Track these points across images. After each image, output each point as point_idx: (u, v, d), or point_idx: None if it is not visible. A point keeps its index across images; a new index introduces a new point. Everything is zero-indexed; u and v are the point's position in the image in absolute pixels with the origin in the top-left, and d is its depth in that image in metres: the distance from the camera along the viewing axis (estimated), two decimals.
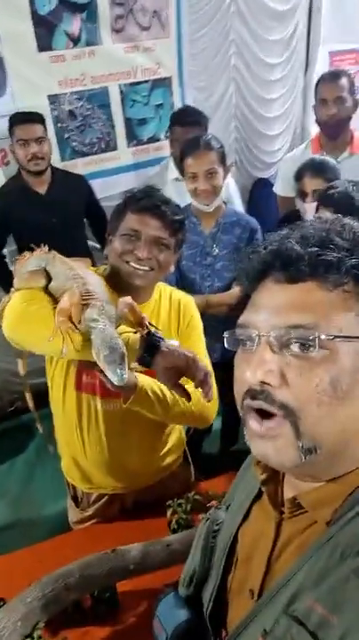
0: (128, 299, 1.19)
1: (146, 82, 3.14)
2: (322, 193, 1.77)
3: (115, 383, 1.02)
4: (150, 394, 1.26)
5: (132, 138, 3.22)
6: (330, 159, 2.16)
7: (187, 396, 1.16)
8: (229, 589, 0.77)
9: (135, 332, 1.15)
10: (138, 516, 1.48)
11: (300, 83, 3.82)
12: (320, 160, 2.14)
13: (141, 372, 1.22)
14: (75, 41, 2.84)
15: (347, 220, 0.65)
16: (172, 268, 1.45)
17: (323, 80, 2.56)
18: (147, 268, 1.33)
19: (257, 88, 3.57)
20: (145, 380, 1.26)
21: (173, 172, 2.62)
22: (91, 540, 1.40)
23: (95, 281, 1.19)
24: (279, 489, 0.71)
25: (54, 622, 1.10)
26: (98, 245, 2.84)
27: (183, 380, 1.16)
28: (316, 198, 1.84)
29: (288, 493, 0.69)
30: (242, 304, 2.12)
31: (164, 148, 3.11)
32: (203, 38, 3.25)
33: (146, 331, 1.15)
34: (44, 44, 2.74)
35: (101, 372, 1.15)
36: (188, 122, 2.57)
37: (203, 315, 1.57)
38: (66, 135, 2.97)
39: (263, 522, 0.72)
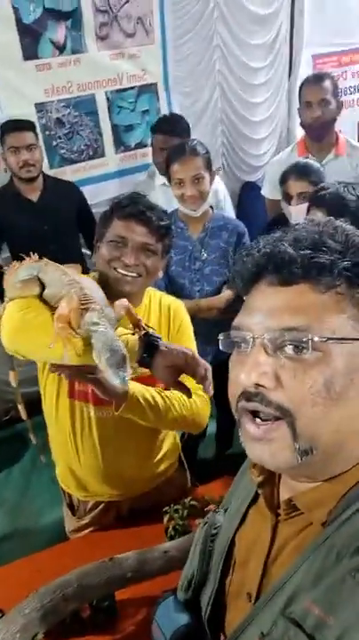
0: (124, 301, 1.19)
1: (132, 88, 3.16)
2: (313, 194, 1.78)
3: (117, 386, 1.02)
4: (142, 401, 1.26)
5: (120, 144, 3.23)
6: (313, 162, 2.18)
7: (188, 392, 1.17)
8: (227, 593, 0.77)
9: (133, 334, 1.16)
10: (134, 523, 1.47)
11: (285, 86, 3.84)
12: (304, 163, 2.16)
13: (136, 376, 1.22)
14: (61, 49, 2.85)
15: (340, 223, 0.65)
16: (161, 274, 1.46)
17: (306, 83, 2.58)
18: (134, 275, 1.33)
19: (242, 92, 3.59)
20: (136, 388, 1.26)
21: (161, 177, 2.63)
22: (89, 549, 1.39)
23: (92, 285, 1.19)
24: (275, 491, 0.71)
25: (53, 633, 1.10)
26: (89, 252, 2.84)
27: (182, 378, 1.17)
28: (308, 200, 1.86)
29: (284, 495, 0.69)
30: (233, 307, 2.13)
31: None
32: (187, 44, 3.27)
33: (143, 332, 1.16)
34: (30, 52, 2.75)
35: (93, 381, 1.16)
36: (169, 130, 2.60)
37: (193, 319, 1.57)
38: (54, 143, 2.97)
39: (259, 525, 0.72)
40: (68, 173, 3.02)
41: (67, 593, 1.07)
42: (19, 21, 2.65)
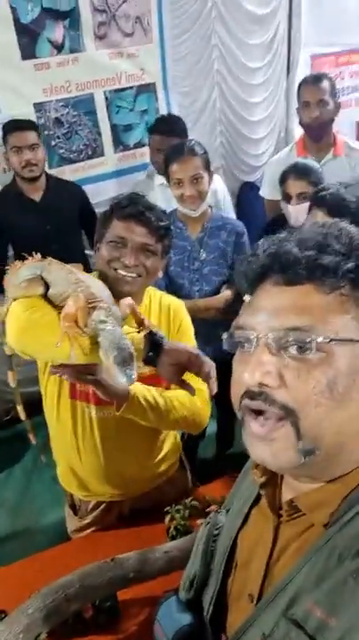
0: (129, 300, 1.20)
1: (130, 88, 3.16)
2: (313, 194, 1.79)
3: (124, 384, 1.02)
4: (143, 401, 1.27)
5: (119, 144, 3.23)
6: (312, 162, 2.19)
7: (192, 390, 1.18)
8: (229, 594, 0.78)
9: (138, 332, 1.16)
10: (136, 522, 1.48)
11: (283, 86, 3.85)
12: (303, 163, 2.17)
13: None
14: (59, 48, 2.84)
15: (345, 225, 0.66)
16: (161, 274, 1.46)
17: (305, 83, 2.59)
18: (134, 275, 1.34)
19: (240, 92, 3.60)
20: (137, 388, 1.26)
21: (160, 177, 2.63)
22: (91, 549, 1.40)
23: (98, 284, 1.19)
24: (277, 492, 0.72)
25: (56, 633, 1.10)
26: (91, 252, 2.84)
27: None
28: (308, 200, 1.87)
29: (286, 496, 0.70)
30: (233, 307, 2.13)
31: None
32: (185, 43, 3.27)
33: (148, 330, 1.17)
34: (28, 52, 2.74)
35: (94, 382, 1.16)
36: (166, 130, 2.61)
37: (193, 319, 1.57)
38: (53, 142, 2.97)
39: (262, 526, 0.73)
40: (67, 173, 3.02)
41: (70, 593, 1.08)
42: (16, 21, 2.65)
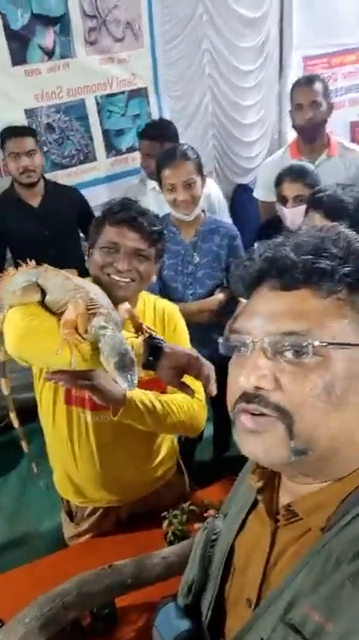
0: (127, 305, 1.21)
1: (122, 93, 3.16)
2: (311, 196, 1.79)
3: (126, 389, 1.02)
4: (140, 405, 1.27)
5: (111, 148, 3.23)
6: (309, 165, 2.19)
7: (192, 392, 1.18)
8: (227, 599, 0.77)
9: (136, 337, 1.16)
10: (133, 528, 1.47)
11: (275, 89, 3.86)
12: (299, 166, 2.17)
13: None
14: (50, 54, 2.85)
15: (342, 229, 0.66)
16: (154, 278, 1.46)
17: (297, 85, 2.60)
18: (127, 280, 1.33)
19: (232, 95, 3.61)
20: (134, 392, 1.26)
21: (152, 182, 2.63)
22: (88, 556, 1.39)
23: (96, 289, 1.19)
24: (274, 497, 0.71)
25: None
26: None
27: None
28: (305, 202, 1.87)
29: (283, 501, 0.69)
30: (227, 309, 2.13)
31: None
32: (176, 48, 3.28)
33: (147, 334, 1.17)
34: (19, 58, 2.74)
35: (89, 387, 1.16)
36: (155, 136, 2.62)
37: (187, 323, 1.57)
38: (45, 148, 2.97)
39: (259, 531, 0.72)
40: (59, 178, 3.02)
41: (67, 601, 1.07)
42: (6, 27, 2.65)
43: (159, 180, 2.12)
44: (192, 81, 3.42)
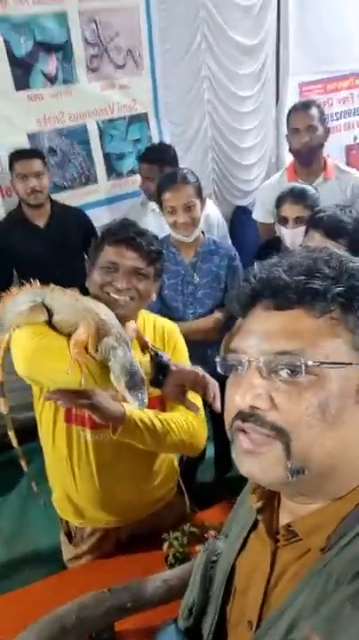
0: (133, 324, 1.23)
1: (123, 118, 3.21)
2: (311, 217, 1.81)
3: (137, 407, 1.03)
4: (139, 424, 1.27)
5: (112, 171, 3.27)
6: (309, 187, 2.23)
7: (197, 409, 1.21)
8: (228, 621, 0.76)
9: (144, 356, 1.18)
10: (134, 549, 1.46)
11: (272, 113, 3.93)
12: (300, 187, 2.20)
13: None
14: (52, 80, 2.90)
15: (334, 249, 0.67)
16: (154, 297, 1.47)
17: (294, 110, 2.65)
18: (127, 298, 1.34)
19: (231, 120, 3.67)
20: (133, 411, 1.26)
21: (152, 203, 2.67)
22: (88, 578, 1.37)
23: (106, 310, 1.20)
24: (274, 517, 0.71)
25: None
26: None
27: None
28: (305, 223, 1.89)
29: (283, 521, 0.69)
30: (225, 328, 2.13)
31: None
32: (176, 75, 3.34)
33: (153, 353, 1.18)
34: (22, 83, 2.79)
35: (89, 406, 1.16)
36: (154, 159, 2.68)
37: (187, 341, 1.58)
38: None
39: (259, 551, 0.72)
40: (61, 200, 3.05)
41: (66, 625, 1.05)
42: (10, 54, 2.71)
43: (159, 203, 2.15)
44: (191, 106, 3.48)
